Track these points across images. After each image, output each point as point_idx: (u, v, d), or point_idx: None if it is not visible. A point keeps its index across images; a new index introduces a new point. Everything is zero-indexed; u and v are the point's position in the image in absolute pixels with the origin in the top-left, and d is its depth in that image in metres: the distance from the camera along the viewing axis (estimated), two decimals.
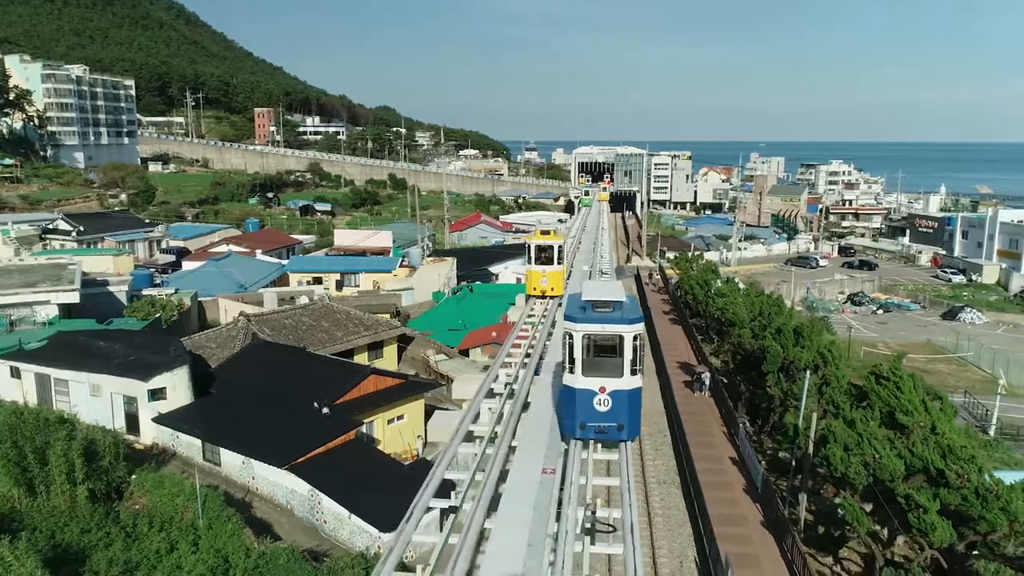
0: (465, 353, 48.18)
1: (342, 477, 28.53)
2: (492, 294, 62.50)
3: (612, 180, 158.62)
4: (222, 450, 30.94)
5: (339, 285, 63.26)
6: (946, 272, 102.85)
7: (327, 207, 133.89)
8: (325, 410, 32.22)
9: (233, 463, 30.61)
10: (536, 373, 19.93)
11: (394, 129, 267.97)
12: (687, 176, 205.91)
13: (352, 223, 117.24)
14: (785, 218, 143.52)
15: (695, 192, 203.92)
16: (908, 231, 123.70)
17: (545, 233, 30.98)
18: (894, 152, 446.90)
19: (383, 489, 28.51)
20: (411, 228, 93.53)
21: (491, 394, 18.42)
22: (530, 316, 28.23)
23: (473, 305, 57.35)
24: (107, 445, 28.00)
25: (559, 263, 30.20)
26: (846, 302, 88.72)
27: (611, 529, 11.28)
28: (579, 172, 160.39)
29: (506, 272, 75.04)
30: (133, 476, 28.92)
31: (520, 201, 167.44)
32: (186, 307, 49.89)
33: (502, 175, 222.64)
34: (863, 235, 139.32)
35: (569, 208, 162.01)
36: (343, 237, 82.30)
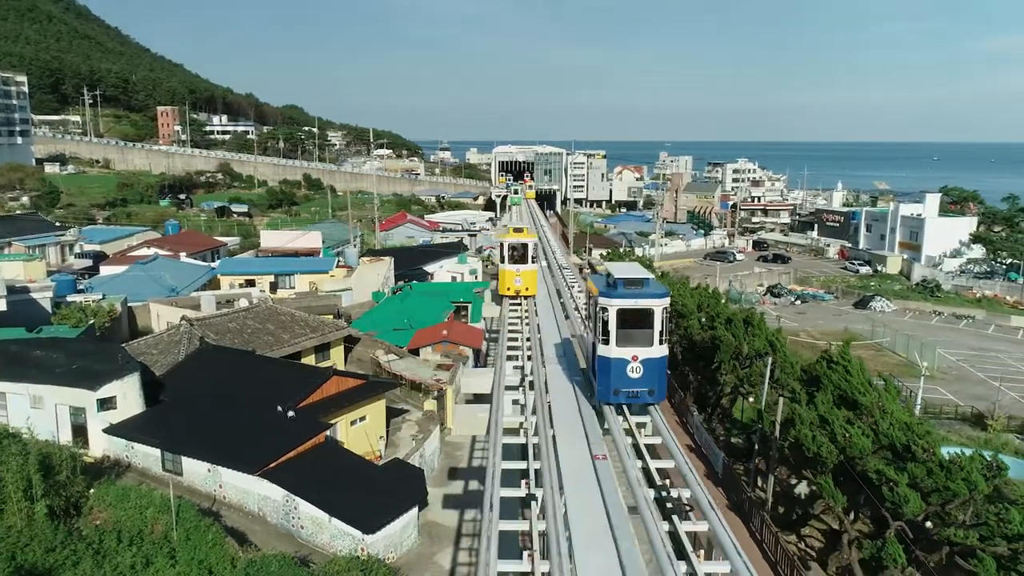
0: (415, 352, 47.66)
1: (318, 480, 27.87)
2: (433, 293, 62.11)
3: (533, 179, 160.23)
4: (184, 459, 29.67)
5: (273, 287, 61.54)
6: (853, 263, 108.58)
7: (244, 208, 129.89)
8: (291, 413, 31.39)
9: (197, 472, 29.41)
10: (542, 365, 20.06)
11: (305, 128, 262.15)
12: (602, 175, 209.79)
13: (272, 224, 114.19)
14: (700, 215, 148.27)
15: (610, 190, 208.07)
16: (816, 225, 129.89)
17: (518, 231, 30.20)
18: (793, 151, 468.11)
19: (361, 491, 28.03)
20: (339, 228, 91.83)
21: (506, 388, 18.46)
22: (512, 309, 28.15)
23: (416, 304, 56.79)
24: (63, 459, 26.48)
25: (533, 262, 29.46)
26: (766, 294, 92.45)
27: (689, 508, 11.54)
28: (499, 171, 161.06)
29: (441, 271, 74.74)
30: (91, 490, 27.41)
31: (442, 200, 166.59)
32: (118, 313, 47.54)
33: (419, 175, 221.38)
34: (773, 230, 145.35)
35: (489, 207, 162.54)
36: (269, 238, 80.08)
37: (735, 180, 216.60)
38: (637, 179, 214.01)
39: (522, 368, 20.02)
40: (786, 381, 34.81)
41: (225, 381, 34.87)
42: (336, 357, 47.43)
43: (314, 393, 33.66)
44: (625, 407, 16.16)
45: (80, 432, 31.73)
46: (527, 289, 29.30)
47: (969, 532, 22.84)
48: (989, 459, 24.01)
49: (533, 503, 12.11)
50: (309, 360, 44.83)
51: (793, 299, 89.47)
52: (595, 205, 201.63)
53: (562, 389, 17.95)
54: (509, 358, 21.08)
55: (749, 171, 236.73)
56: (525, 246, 29.08)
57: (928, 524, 26.38)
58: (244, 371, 36.21)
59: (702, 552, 10.08)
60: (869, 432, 27.77)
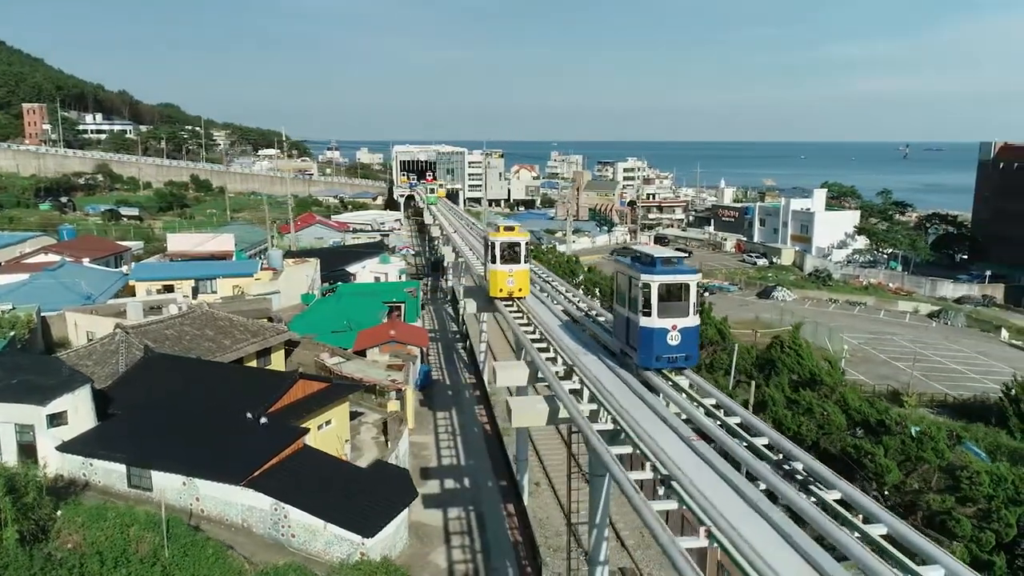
0: (361, 354, 46.75)
1: (305, 487, 27.02)
2: (365, 294, 61.11)
3: (435, 178, 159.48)
4: (154, 473, 28.02)
5: (194, 292, 58.68)
6: (751, 256, 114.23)
7: (134, 212, 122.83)
8: (263, 420, 30.24)
9: (170, 486, 27.82)
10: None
11: (188, 127, 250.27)
12: (500, 174, 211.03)
13: (169, 227, 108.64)
14: (601, 212, 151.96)
15: (508, 189, 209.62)
16: (712, 221, 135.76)
17: (509, 229, 29.07)
18: (671, 150, 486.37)
19: (351, 494, 27.37)
20: (250, 231, 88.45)
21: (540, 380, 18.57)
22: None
23: (352, 306, 55.73)
24: (29, 480, 24.54)
25: (525, 261, 28.54)
26: None
27: (811, 479, 12.03)
28: (401, 171, 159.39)
29: (363, 272, 73.52)
30: (59, 512, 25.51)
31: (345, 201, 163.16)
32: (34, 324, 44.20)
33: (312, 175, 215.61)
34: (671, 225, 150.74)
35: (389, 206, 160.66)
36: (177, 242, 76.19)
37: (626, 178, 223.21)
38: (534, 178, 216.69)
39: (555, 358, 20.09)
40: (743, 366, 36.43)
41: (180, 390, 33.14)
42: (277, 362, 45.90)
43: (282, 398, 32.60)
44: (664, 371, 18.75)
45: (28, 451, 29.36)
46: (520, 290, 28.26)
47: (946, 496, 24.79)
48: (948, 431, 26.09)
49: (673, 483, 12.18)
50: (251, 365, 43.22)
51: (701, 291, 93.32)
52: (493, 204, 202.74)
53: (603, 376, 18.27)
54: (531, 351, 21.03)
55: (639, 169, 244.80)
56: (517, 245, 27.83)
57: (886, 494, 28.43)
58: (199, 379, 34.54)
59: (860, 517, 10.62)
60: (835, 408, 29.51)
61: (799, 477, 11.75)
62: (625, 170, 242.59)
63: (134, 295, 56.85)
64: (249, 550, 26.00)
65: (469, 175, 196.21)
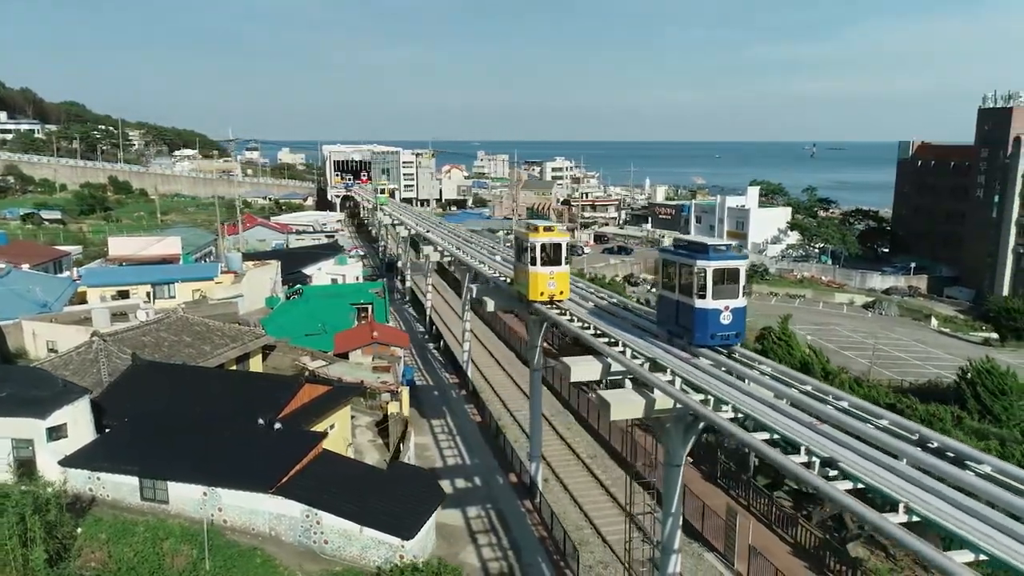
0: (343, 356, 45.96)
1: (335, 491, 26.49)
2: (331, 295, 60.06)
3: (370, 178, 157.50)
4: (171, 484, 26.91)
5: (151, 297, 56.35)
6: None
7: (56, 215, 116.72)
8: (277, 425, 29.50)
9: (188, 497, 26.78)
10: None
11: (101, 127, 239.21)
12: (431, 174, 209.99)
13: (98, 230, 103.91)
14: (539, 211, 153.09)
15: (440, 189, 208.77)
16: (650, 218, 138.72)
17: (548, 229, 27.80)
18: (600, 150, 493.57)
19: (382, 497, 26.98)
20: (194, 233, 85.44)
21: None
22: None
23: (321, 308, 54.70)
24: (51, 497, 23.29)
25: (566, 263, 27.57)
26: (624, 284, 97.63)
27: (960, 456, 12.66)
28: (335, 171, 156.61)
29: (320, 273, 72.10)
30: (79, 529, 24.29)
31: (280, 203, 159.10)
32: None
33: (236, 176, 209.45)
34: (607, 224, 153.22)
35: (321, 206, 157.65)
36: (119, 246, 73.04)
37: (554, 177, 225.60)
38: (466, 177, 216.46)
39: (623, 351, 20.44)
40: None
41: (180, 398, 31.98)
42: (255, 367, 44.69)
43: (290, 403, 31.85)
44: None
45: (26, 467, 27.78)
46: (561, 293, 27.35)
47: None
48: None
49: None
50: (255, 371, 42.17)
51: (650, 287, 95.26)
52: (425, 204, 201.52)
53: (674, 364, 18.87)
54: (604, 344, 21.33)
55: (567, 169, 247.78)
56: (559, 246, 27.06)
57: None
58: (197, 386, 33.42)
59: None
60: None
61: (950, 455, 12.47)
62: (554, 169, 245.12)
63: (85, 302, 54.26)
64: (280, 559, 25.38)
65: (402, 175, 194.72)
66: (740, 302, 20.29)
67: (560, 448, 37.72)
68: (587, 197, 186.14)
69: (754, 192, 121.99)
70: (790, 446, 13.41)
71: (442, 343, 58.58)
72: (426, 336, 62.75)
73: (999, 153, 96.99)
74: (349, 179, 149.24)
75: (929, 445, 13.02)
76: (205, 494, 26.73)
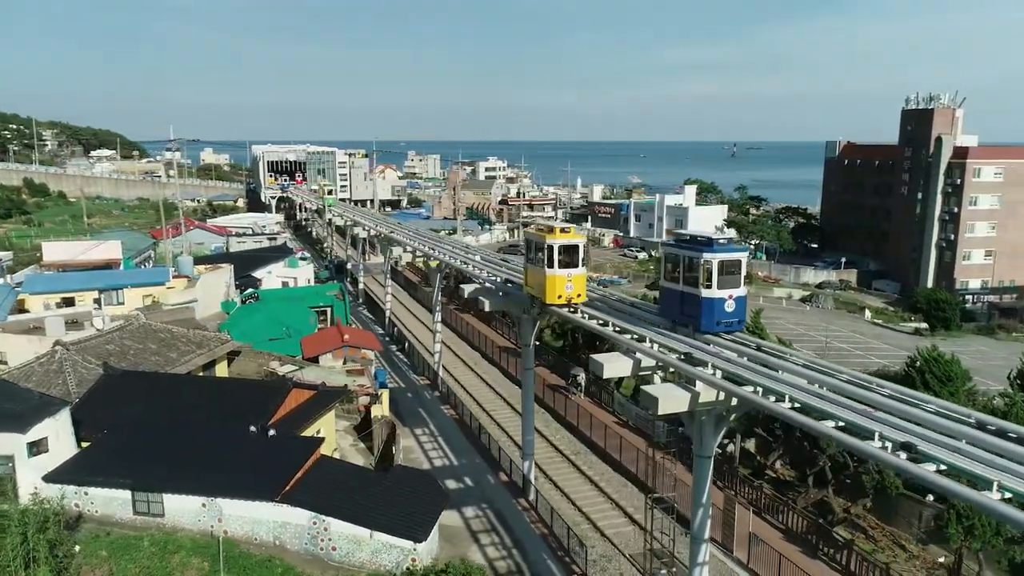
0: (314, 360, 45.11)
1: (340, 497, 26.07)
2: (291, 299, 58.80)
3: (305, 179, 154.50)
4: (166, 496, 25.99)
5: (100, 304, 54.03)
6: (631, 250, 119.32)
7: None
8: (271, 432, 28.83)
9: (186, 509, 25.90)
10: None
11: (12, 126, 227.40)
12: (364, 174, 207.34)
13: (23, 236, 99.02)
14: (479, 211, 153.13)
15: (375, 190, 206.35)
16: (589, 217, 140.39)
17: (565, 231, 26.73)
18: (526, 150, 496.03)
19: (387, 500, 26.67)
20: (132, 237, 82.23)
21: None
22: None
23: (282, 312, 53.50)
24: (51, 514, 22.20)
25: (583, 265, 26.88)
26: None
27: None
28: (269, 171, 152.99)
29: (270, 277, 70.43)
30: (77, 547, 23.23)
31: (214, 204, 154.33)
32: None
33: (159, 176, 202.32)
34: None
35: (254, 208, 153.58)
36: (55, 251, 69.81)
37: (489, 177, 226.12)
38: (400, 177, 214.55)
39: (651, 346, 20.88)
40: None
41: (159, 408, 30.95)
42: (221, 373, 43.50)
43: (279, 408, 31.17)
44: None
45: (4, 484, 26.34)
46: (579, 296, 26.74)
47: None
48: None
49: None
50: (239, 377, 40.97)
51: (597, 283, 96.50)
52: (359, 204, 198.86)
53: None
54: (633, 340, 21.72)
55: (500, 168, 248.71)
56: (576, 248, 26.19)
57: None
58: (175, 395, 32.40)
59: None
60: None
61: (1012, 435, 13.24)
62: (487, 169, 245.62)
63: (25, 311, 51.69)
64: (300, 568, 24.86)
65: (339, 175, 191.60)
66: (742, 291, 21.90)
67: (543, 445, 37.96)
68: (523, 196, 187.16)
69: (691, 190, 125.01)
70: (858, 433, 14.02)
71: (407, 345, 58.09)
72: (387, 338, 62.08)
73: (922, 152, 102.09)
74: (284, 180, 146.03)
75: (988, 427, 13.81)
76: (204, 505, 25.92)
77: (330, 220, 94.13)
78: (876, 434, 13.70)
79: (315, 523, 25.33)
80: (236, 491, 25.64)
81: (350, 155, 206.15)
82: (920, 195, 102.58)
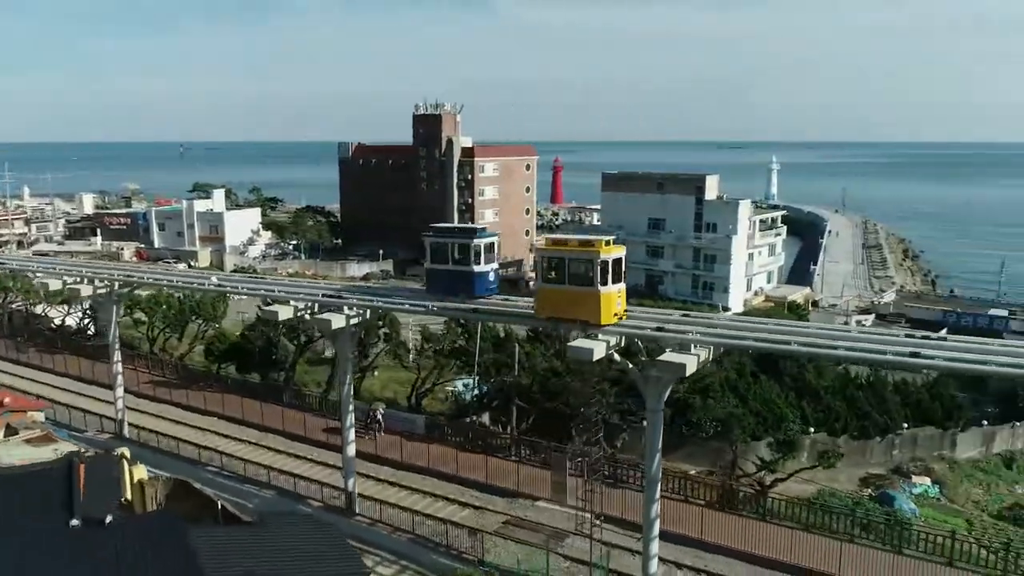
0: None
1: None
2: None
3: None
4: None
5: None
6: (166, 262, 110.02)
7: None
8: (108, 518, 22.80)
9: None
10: None
11: None
12: None
13: None
14: None
15: None
16: (100, 230, 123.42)
17: (609, 244, 24.23)
18: None
19: None
20: None
21: None
22: None
23: None
24: None
25: (625, 278, 25.04)
26: None
27: None
28: None
29: None
30: None
31: None
32: None
33: None
34: (37, 240, 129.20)
35: None
36: None
37: None
38: None
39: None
40: None
41: None
42: None
43: None
44: None
45: None
46: (626, 311, 24.84)
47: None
48: None
49: None
50: None
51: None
52: None
53: None
54: None
55: None
56: (622, 261, 24.15)
57: None
58: None
59: None
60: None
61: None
62: None
63: None
64: None
65: None
66: (495, 267, 29.53)
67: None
68: None
69: (220, 194, 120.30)
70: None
71: None
72: None
73: (435, 151, 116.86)
74: None
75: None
76: None
77: None
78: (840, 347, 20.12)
79: None
80: None
81: None
82: (437, 187, 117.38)
